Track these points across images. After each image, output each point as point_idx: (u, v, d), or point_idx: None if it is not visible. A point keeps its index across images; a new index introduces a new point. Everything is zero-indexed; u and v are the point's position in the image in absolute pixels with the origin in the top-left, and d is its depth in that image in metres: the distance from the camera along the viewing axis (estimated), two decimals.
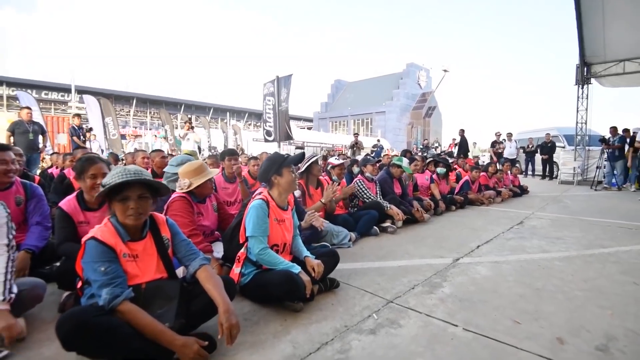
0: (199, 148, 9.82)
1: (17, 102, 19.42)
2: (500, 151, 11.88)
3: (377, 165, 4.94)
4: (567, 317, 1.83)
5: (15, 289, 1.55)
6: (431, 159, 5.96)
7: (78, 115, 8.72)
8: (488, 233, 3.73)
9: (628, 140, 8.24)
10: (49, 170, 5.78)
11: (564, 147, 11.26)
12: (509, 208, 5.47)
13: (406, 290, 2.17)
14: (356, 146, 13.19)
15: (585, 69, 9.70)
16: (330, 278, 2.17)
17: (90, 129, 11.26)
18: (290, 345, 1.55)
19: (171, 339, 1.33)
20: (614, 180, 8.50)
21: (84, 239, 1.42)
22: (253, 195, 2.12)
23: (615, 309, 1.93)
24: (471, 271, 2.54)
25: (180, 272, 1.72)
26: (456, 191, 5.78)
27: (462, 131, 12.85)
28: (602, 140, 8.57)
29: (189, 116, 25.30)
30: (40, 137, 6.82)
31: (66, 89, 26.76)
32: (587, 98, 9.99)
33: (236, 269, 2.01)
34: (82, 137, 8.13)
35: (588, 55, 9.29)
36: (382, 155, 10.88)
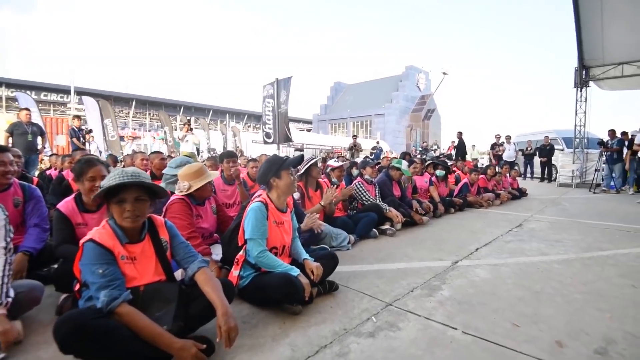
0: (198, 150, 9.80)
1: (16, 103, 19.40)
2: (500, 153, 11.90)
3: (376, 167, 4.96)
4: (566, 320, 1.83)
5: (12, 293, 1.54)
6: (430, 161, 5.98)
7: (78, 117, 8.73)
8: (487, 236, 3.73)
9: (626, 143, 8.26)
10: (48, 172, 5.77)
11: (562, 150, 11.33)
12: (507, 211, 5.48)
13: (405, 293, 2.17)
14: (355, 148, 13.19)
15: (584, 72, 9.74)
16: (329, 281, 2.17)
17: (90, 131, 11.28)
18: (289, 348, 1.55)
19: (169, 342, 1.32)
20: (612, 183, 8.54)
21: (82, 241, 1.41)
22: (252, 198, 2.12)
23: (614, 312, 1.93)
24: (470, 274, 2.54)
25: (178, 274, 1.72)
26: (455, 194, 5.79)
27: (459, 134, 12.92)
28: (601, 143, 8.62)
29: (188, 118, 25.26)
30: (39, 139, 6.81)
31: (65, 91, 26.85)
32: (585, 101, 10.02)
33: (235, 272, 2.01)
34: (81, 139, 8.13)
35: (587, 59, 9.33)
36: (381, 158, 10.90)
